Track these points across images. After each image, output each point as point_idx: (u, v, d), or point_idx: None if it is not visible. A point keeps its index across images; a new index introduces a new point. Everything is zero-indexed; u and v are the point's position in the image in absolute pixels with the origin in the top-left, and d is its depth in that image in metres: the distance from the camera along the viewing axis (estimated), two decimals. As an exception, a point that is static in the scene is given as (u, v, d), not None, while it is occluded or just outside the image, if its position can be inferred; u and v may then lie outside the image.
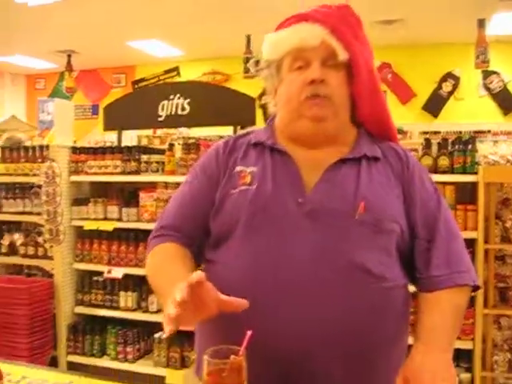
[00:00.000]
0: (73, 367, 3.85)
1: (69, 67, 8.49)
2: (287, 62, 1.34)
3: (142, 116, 4.18)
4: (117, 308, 3.85)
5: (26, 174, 4.01)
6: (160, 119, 4.08)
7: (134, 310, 3.80)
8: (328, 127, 1.32)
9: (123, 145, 4.13)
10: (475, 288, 1.31)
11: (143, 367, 3.71)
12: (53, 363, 3.82)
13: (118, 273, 3.76)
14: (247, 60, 6.72)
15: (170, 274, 1.21)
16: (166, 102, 4.06)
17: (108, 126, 4.40)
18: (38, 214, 3.96)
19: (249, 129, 1.53)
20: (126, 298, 3.79)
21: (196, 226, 1.38)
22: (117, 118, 4.28)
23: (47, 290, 3.80)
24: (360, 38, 1.35)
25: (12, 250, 4.15)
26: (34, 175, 3.96)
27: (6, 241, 4.17)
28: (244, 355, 1.02)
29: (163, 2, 6.31)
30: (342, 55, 1.30)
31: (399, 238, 1.29)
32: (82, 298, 3.93)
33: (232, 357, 1.02)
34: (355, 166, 1.32)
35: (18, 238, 4.14)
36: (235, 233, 1.29)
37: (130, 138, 6.38)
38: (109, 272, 3.80)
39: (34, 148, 4.04)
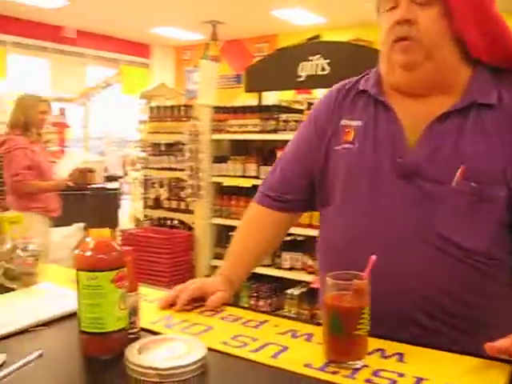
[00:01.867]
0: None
1: (214, 37, 8.75)
2: (382, 3, 1.23)
3: (282, 77, 4.20)
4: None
5: (172, 133, 4.22)
6: (300, 79, 4.08)
7: (268, 266, 3.88)
8: (421, 74, 1.17)
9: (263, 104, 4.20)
10: None
11: (275, 321, 3.77)
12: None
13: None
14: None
15: (235, 247, 1.43)
16: (305, 62, 4.04)
17: (249, 88, 4.48)
18: (182, 170, 4.16)
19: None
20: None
21: (301, 181, 1.38)
22: (258, 79, 4.34)
23: (187, 242, 4.00)
24: None
25: (157, 203, 4.41)
26: (179, 133, 4.15)
27: (152, 195, 4.44)
28: (368, 279, 1.00)
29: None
30: None
31: (509, 205, 1.14)
32: (219, 251, 4.09)
33: (355, 280, 1.00)
34: (461, 118, 1.16)
35: (163, 192, 4.38)
36: (335, 192, 1.28)
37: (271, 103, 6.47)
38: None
39: (179, 107, 4.24)
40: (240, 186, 3.94)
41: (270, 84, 4.32)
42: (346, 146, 1.26)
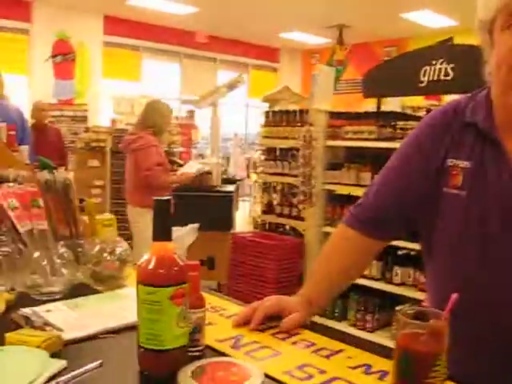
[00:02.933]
0: (313, 327, 3.94)
1: (340, 41, 8.66)
2: (500, 20, 1.06)
3: (402, 82, 4.03)
4: (361, 275, 3.81)
5: (286, 138, 4.19)
6: (421, 85, 3.88)
7: (378, 280, 3.74)
8: None
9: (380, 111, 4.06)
10: None
11: (380, 338, 3.63)
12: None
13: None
14: None
15: (320, 268, 1.38)
16: (428, 67, 3.84)
17: (367, 94, 4.34)
18: (295, 175, 4.12)
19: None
20: (371, 266, 3.74)
21: (396, 208, 1.28)
22: (376, 84, 4.20)
23: (296, 248, 3.95)
24: None
25: (270, 208, 4.40)
26: (293, 138, 4.12)
27: (264, 199, 4.44)
28: (447, 320, 0.88)
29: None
30: None
31: None
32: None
33: (433, 320, 0.89)
34: None
35: (276, 197, 4.37)
36: (442, 238, 1.18)
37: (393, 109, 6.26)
38: (356, 238, 3.78)
39: (294, 112, 4.20)
40: (352, 194, 3.82)
41: (390, 89, 4.15)
42: (454, 191, 1.14)
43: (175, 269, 1.01)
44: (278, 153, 4.34)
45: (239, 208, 6.10)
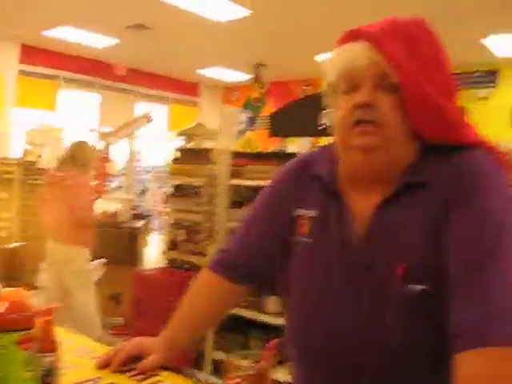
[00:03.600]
0: (216, 363, 3.98)
1: (257, 79, 8.89)
2: (340, 84, 1.18)
3: (305, 123, 4.19)
4: (262, 311, 3.90)
5: (192, 175, 4.26)
6: (321, 128, 4.06)
7: (278, 315, 3.81)
8: (379, 159, 1.12)
9: (289, 151, 4.20)
10: None
11: (281, 374, 3.69)
12: (199, 357, 3.99)
13: (265, 277, 3.80)
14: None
15: (183, 309, 1.40)
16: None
17: (273, 133, 4.50)
18: (199, 213, 4.18)
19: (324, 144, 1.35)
20: (272, 302, 3.82)
21: (258, 257, 1.36)
22: (282, 124, 4.36)
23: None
24: (420, 56, 1.13)
25: (175, 244, 4.44)
26: (199, 176, 4.19)
27: (170, 236, 4.47)
28: (269, 364, 0.97)
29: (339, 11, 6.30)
30: (392, 78, 1.10)
31: (437, 298, 1.04)
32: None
33: (259, 363, 0.97)
34: (400, 204, 1.12)
35: (181, 234, 4.41)
36: (291, 287, 1.26)
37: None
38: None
39: (200, 150, 4.29)
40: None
41: (293, 130, 4.32)
42: (303, 239, 1.23)
43: (23, 315, 1.04)
44: (184, 190, 4.39)
45: (150, 243, 6.10)
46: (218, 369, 3.90)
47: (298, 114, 4.24)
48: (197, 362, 3.91)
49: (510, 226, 1.02)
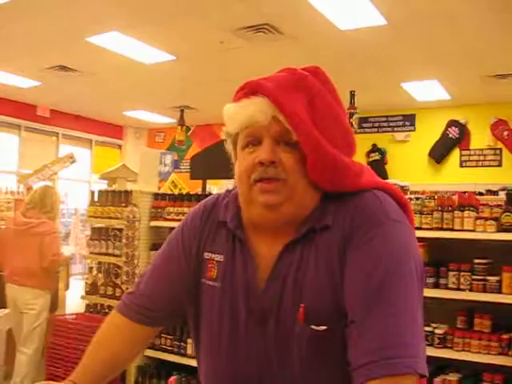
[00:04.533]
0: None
1: (181, 122, 8.94)
2: (240, 137, 1.18)
3: (219, 167, 4.27)
4: (184, 355, 3.87)
5: (111, 218, 4.22)
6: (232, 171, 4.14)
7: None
8: (283, 214, 1.14)
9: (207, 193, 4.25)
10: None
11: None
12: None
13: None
14: (351, 115, 6.64)
15: (91, 352, 1.34)
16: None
17: (193, 176, 4.55)
18: (118, 256, 4.13)
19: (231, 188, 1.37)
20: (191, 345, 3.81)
21: (165, 298, 1.33)
22: (200, 167, 4.42)
23: (118, 330, 3.90)
24: (319, 111, 1.17)
25: (94, 288, 4.35)
26: (118, 218, 4.16)
27: (89, 280, 4.39)
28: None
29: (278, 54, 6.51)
30: (291, 136, 1.12)
31: (338, 337, 1.10)
32: (153, 341, 3.99)
33: None
34: (301, 248, 1.16)
35: (100, 277, 4.33)
36: (199, 331, 1.27)
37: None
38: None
39: (120, 192, 4.27)
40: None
41: (210, 173, 4.39)
42: (211, 283, 1.23)
43: None
44: (103, 233, 4.34)
45: (71, 287, 5.91)
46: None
47: (214, 158, 4.32)
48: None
49: (397, 270, 1.06)
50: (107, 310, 4.45)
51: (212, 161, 4.30)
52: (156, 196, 4.10)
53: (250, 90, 1.17)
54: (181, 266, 1.30)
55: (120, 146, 11.90)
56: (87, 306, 4.60)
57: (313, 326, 1.10)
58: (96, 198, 4.44)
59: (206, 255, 1.26)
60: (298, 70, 1.21)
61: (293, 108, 1.13)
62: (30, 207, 4.46)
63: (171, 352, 3.90)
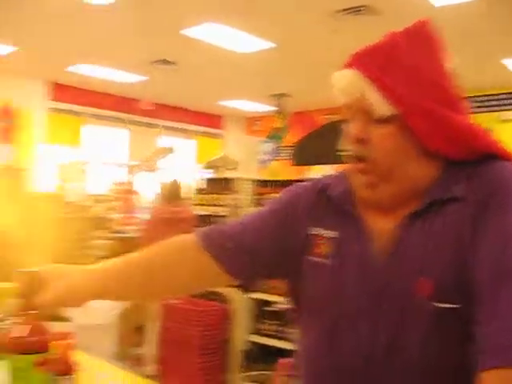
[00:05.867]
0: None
1: (280, 109, 8.96)
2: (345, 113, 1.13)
3: (325, 152, 4.21)
4: (289, 340, 3.87)
5: (215, 205, 4.30)
6: (340, 155, 4.07)
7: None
8: (383, 193, 1.10)
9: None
10: None
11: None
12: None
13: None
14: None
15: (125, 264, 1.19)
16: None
17: (296, 162, 4.53)
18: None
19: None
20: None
21: (253, 254, 1.23)
22: (304, 153, 4.39)
23: (222, 315, 3.96)
24: (418, 76, 1.07)
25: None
26: (222, 206, 4.22)
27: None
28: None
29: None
30: (384, 110, 1.05)
31: (464, 316, 1.01)
32: (257, 327, 4.04)
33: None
34: (424, 220, 1.08)
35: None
36: (303, 309, 1.21)
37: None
38: (283, 303, 3.86)
39: (223, 180, 4.33)
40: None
41: (315, 159, 4.34)
42: (318, 259, 1.16)
43: (38, 338, 1.05)
44: (208, 219, 4.42)
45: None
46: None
47: (319, 143, 4.27)
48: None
49: None
50: (211, 296, 4.53)
51: (316, 146, 4.26)
52: (258, 183, 4.13)
53: (346, 62, 1.12)
54: (280, 235, 1.23)
55: (221, 136, 12.10)
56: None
57: (436, 304, 1.01)
58: (201, 187, 4.54)
59: (315, 231, 1.19)
60: (397, 33, 1.12)
61: (388, 80, 1.06)
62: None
63: (275, 337, 3.92)
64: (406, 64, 1.08)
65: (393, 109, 1.05)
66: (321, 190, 1.24)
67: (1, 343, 1.56)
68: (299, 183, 1.32)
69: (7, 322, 1.64)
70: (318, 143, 4.28)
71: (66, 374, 1.18)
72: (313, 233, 1.19)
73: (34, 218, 4.41)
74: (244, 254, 1.22)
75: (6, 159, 8.31)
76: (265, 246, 1.23)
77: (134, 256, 1.20)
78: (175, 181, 4.94)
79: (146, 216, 5.53)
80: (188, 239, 1.23)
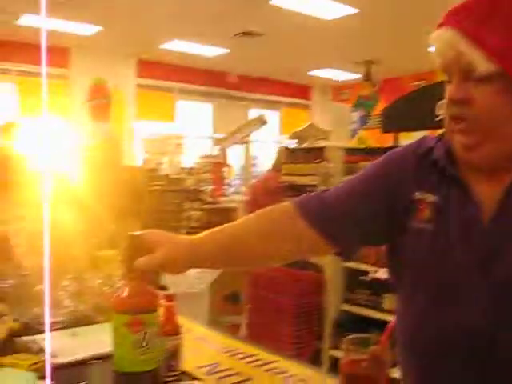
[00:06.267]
0: (334, 362, 3.96)
1: (368, 76, 8.76)
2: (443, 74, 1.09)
3: (420, 116, 4.07)
4: (381, 309, 3.84)
5: (304, 175, 4.28)
6: (437, 119, 3.92)
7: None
8: (484, 154, 1.04)
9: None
10: None
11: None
12: (317, 356, 3.99)
13: (383, 274, 3.75)
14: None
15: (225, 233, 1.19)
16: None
17: (386, 129, 4.41)
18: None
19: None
20: (391, 300, 3.75)
21: (356, 222, 1.19)
22: (395, 119, 4.27)
23: (316, 284, 3.99)
24: None
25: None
26: (311, 175, 4.20)
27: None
28: (385, 346, 0.95)
29: None
30: (486, 67, 0.99)
31: None
32: (349, 296, 4.03)
33: (373, 347, 0.96)
34: None
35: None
36: (404, 275, 1.16)
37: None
38: (375, 272, 3.82)
39: (312, 150, 4.29)
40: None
41: (406, 124, 4.21)
42: (421, 225, 1.13)
43: (136, 298, 1.07)
44: (297, 190, 4.41)
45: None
46: (336, 367, 3.87)
47: (412, 108, 4.12)
48: (314, 359, 3.91)
49: None
50: (301, 264, 4.55)
51: (408, 111, 4.12)
52: (349, 151, 4.06)
53: (440, 22, 1.07)
54: (383, 200, 1.19)
55: (307, 107, 12.02)
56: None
57: None
58: (289, 157, 4.54)
59: (418, 195, 1.14)
60: None
61: (489, 34, 0.99)
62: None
63: (366, 306, 3.90)
64: (508, 14, 1.01)
65: (495, 65, 0.99)
66: (423, 154, 1.19)
67: (107, 304, 1.65)
68: (397, 149, 1.27)
69: (112, 284, 1.72)
70: (410, 108, 4.13)
71: (172, 335, 1.21)
72: (416, 197, 1.15)
73: (131, 190, 4.56)
74: (343, 220, 1.19)
75: (102, 136, 8.65)
76: (364, 212, 1.20)
77: (231, 225, 1.21)
78: (281, 149, 4.99)
79: (250, 185, 5.60)
80: (285, 207, 1.22)
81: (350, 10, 6.88)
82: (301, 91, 11.81)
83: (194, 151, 9.35)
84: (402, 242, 1.16)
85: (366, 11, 6.87)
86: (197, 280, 4.46)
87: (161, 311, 1.16)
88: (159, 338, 1.11)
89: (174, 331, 1.22)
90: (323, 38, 8.08)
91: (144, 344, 1.05)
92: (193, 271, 4.30)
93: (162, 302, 1.22)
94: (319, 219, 1.19)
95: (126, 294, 1.08)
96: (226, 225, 1.20)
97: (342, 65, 9.83)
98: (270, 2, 6.54)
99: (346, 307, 4.04)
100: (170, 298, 1.23)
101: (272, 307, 3.90)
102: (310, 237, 1.18)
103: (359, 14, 6.94)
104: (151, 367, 1.08)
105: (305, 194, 1.25)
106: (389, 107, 4.37)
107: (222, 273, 4.77)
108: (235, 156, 9.97)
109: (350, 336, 0.98)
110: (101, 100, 8.85)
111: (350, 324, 3.99)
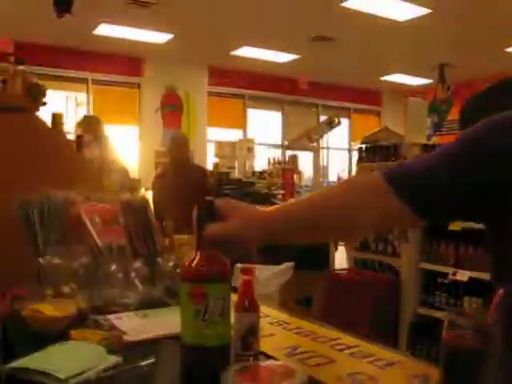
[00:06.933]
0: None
1: (441, 80, 8.50)
2: None
3: (503, 112, 3.87)
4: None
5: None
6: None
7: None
8: None
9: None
10: None
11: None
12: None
13: (463, 276, 3.56)
14: None
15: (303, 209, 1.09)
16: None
17: (464, 126, 4.22)
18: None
19: None
20: (471, 303, 3.56)
21: (446, 197, 1.04)
22: (475, 116, 4.08)
23: (392, 286, 3.84)
24: None
25: (365, 245, 4.33)
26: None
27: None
28: (493, 317, 0.85)
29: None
30: None
31: None
32: (426, 298, 3.85)
33: (477, 318, 0.86)
34: None
35: (371, 234, 4.29)
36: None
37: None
38: (454, 274, 3.63)
39: (387, 147, 4.16)
40: (450, 229, 3.67)
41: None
42: None
43: (206, 267, 0.99)
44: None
45: (338, 248, 6.05)
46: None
47: (495, 103, 3.92)
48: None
49: None
50: (376, 267, 4.40)
51: (490, 107, 3.92)
52: (425, 147, 3.90)
53: None
54: (482, 177, 1.01)
55: (378, 113, 11.80)
56: (355, 262, 4.58)
57: None
58: (361, 156, 4.41)
59: None
60: None
61: None
62: None
63: (445, 310, 3.72)
64: None
65: None
66: None
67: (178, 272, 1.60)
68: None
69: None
70: (492, 103, 3.93)
71: (250, 311, 1.14)
72: None
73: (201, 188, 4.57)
74: (433, 191, 1.05)
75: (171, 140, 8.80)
76: (459, 183, 1.03)
77: (313, 196, 1.16)
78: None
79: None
80: (372, 178, 1.10)
81: (423, 11, 6.70)
82: (370, 97, 11.61)
83: (264, 156, 9.36)
84: (505, 216, 1.00)
85: (439, 11, 6.67)
86: (266, 282, 4.38)
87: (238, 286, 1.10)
88: (229, 313, 1.02)
89: (252, 307, 1.13)
90: (395, 40, 7.91)
91: (207, 317, 0.97)
92: (263, 274, 4.24)
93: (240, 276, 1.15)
94: (406, 189, 1.05)
95: (191, 262, 1.01)
96: (307, 196, 1.17)
97: (414, 69, 9.60)
98: (342, 4, 6.45)
99: (423, 311, 3.86)
100: (247, 271, 1.15)
101: (347, 311, 3.77)
102: (398, 208, 1.05)
103: (432, 14, 6.74)
104: (218, 342, 0.98)
105: (392, 164, 1.17)
106: (469, 102, 4.17)
107: (294, 276, 4.67)
108: (306, 164, 9.92)
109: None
110: (173, 107, 9.05)
111: (427, 328, 3.81)
